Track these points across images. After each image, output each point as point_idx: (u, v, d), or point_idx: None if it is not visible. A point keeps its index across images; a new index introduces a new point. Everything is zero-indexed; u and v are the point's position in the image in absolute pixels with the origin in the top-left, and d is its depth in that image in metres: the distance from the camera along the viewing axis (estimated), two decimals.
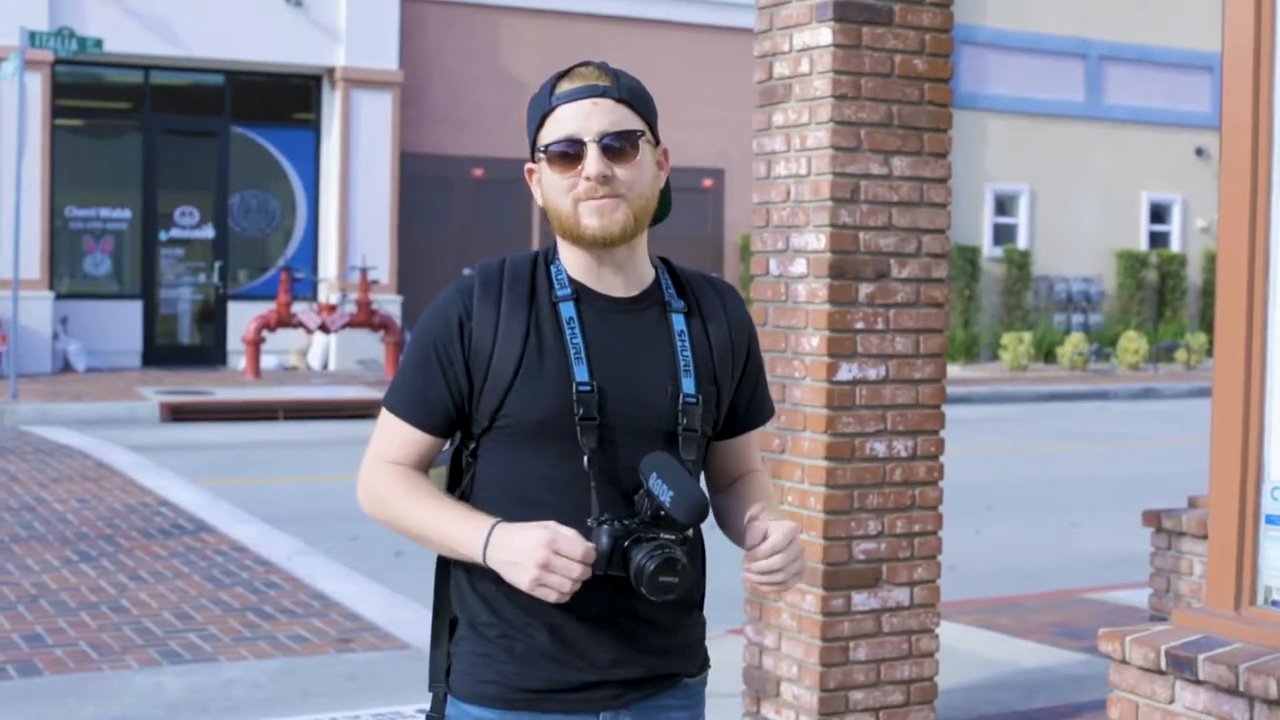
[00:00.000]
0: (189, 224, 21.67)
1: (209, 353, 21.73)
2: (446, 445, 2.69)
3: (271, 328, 19.71)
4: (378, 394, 18.12)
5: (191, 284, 21.81)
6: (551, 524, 2.46)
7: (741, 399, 2.75)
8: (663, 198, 2.71)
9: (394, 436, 2.64)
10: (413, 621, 7.60)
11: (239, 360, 20.82)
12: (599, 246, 2.58)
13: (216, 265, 21.70)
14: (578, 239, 2.59)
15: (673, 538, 2.48)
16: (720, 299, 2.72)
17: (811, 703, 5.40)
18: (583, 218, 2.57)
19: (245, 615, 7.79)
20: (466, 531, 2.52)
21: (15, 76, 17.45)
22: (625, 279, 2.64)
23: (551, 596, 2.44)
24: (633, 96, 2.60)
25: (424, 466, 2.67)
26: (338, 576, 8.69)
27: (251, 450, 14.61)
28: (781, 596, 5.44)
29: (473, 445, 2.64)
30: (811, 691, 5.40)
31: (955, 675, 6.43)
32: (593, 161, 2.54)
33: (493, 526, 2.50)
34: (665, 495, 2.44)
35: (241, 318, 20.96)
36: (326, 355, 21.50)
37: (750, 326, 2.75)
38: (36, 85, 19.83)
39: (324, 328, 19.85)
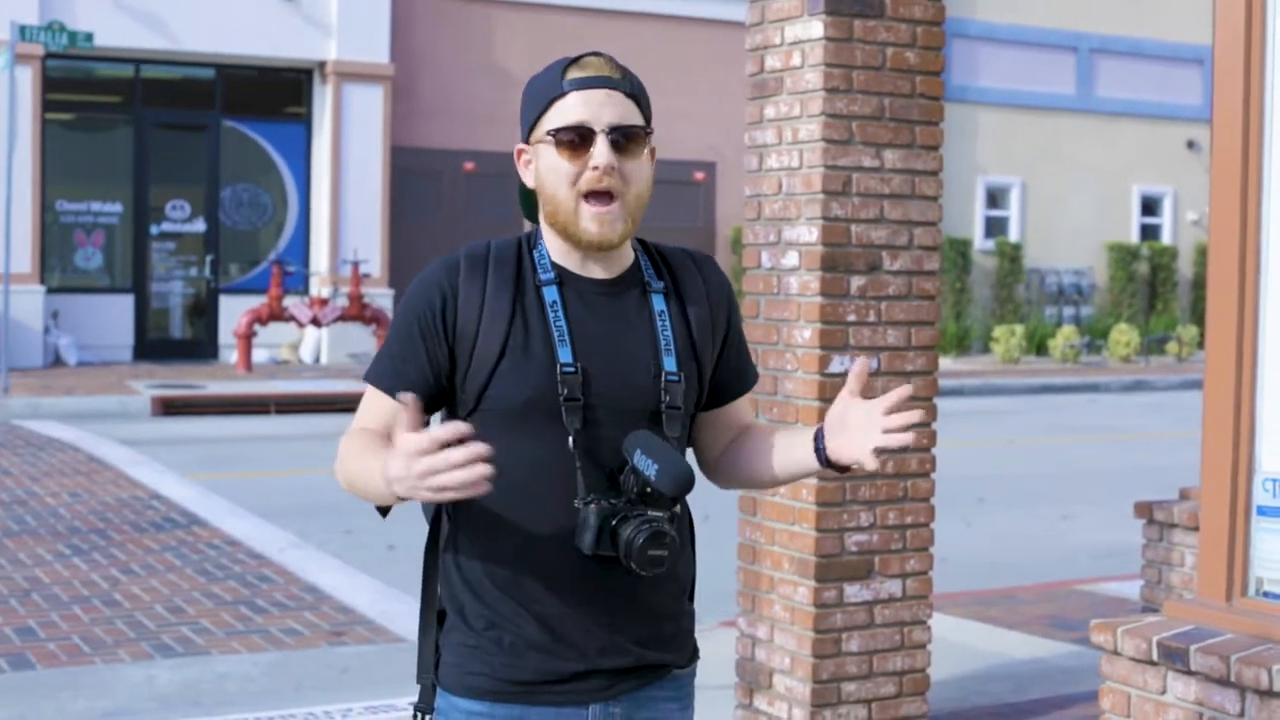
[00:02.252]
0: (180, 218, 21.64)
1: (200, 346, 21.71)
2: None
3: (263, 321, 19.70)
4: None
5: (183, 278, 21.78)
6: (403, 421, 2.30)
7: (726, 365, 2.77)
8: None
9: (373, 410, 2.64)
10: (405, 615, 7.60)
11: (230, 354, 20.80)
12: (592, 250, 2.60)
13: (208, 259, 21.67)
14: (571, 238, 2.60)
15: (660, 514, 2.49)
16: (699, 272, 2.74)
17: (804, 694, 5.41)
18: (583, 220, 2.57)
19: (237, 609, 7.79)
20: (375, 476, 2.40)
21: (6, 70, 17.42)
22: (607, 263, 2.65)
23: (459, 493, 2.26)
24: (639, 93, 2.63)
25: None
26: (330, 570, 8.70)
27: (243, 444, 14.61)
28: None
29: None
30: (804, 683, 5.41)
31: (947, 667, 6.44)
32: (602, 152, 2.55)
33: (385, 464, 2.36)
34: (650, 469, 2.45)
35: (233, 311, 20.94)
36: (318, 349, 21.49)
37: (729, 294, 2.76)
38: (27, 79, 19.80)
39: (315, 321, 19.83)
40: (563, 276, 2.62)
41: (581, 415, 2.55)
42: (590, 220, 2.57)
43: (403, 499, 2.39)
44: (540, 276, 2.61)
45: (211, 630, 7.38)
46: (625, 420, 2.56)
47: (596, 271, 2.64)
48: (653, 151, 2.69)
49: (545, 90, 2.61)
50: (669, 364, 2.62)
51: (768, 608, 5.57)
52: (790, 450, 2.71)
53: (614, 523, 2.49)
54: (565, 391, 2.54)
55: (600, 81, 2.58)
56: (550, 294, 2.60)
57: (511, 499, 2.55)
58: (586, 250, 2.61)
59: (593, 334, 2.60)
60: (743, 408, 2.85)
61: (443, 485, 2.26)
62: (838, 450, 2.59)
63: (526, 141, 2.64)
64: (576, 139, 2.56)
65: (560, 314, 2.58)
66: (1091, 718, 4.75)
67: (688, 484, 2.47)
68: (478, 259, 2.62)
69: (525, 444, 2.56)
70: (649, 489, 2.47)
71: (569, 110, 2.57)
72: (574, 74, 2.59)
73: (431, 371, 2.60)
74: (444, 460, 2.25)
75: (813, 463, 2.66)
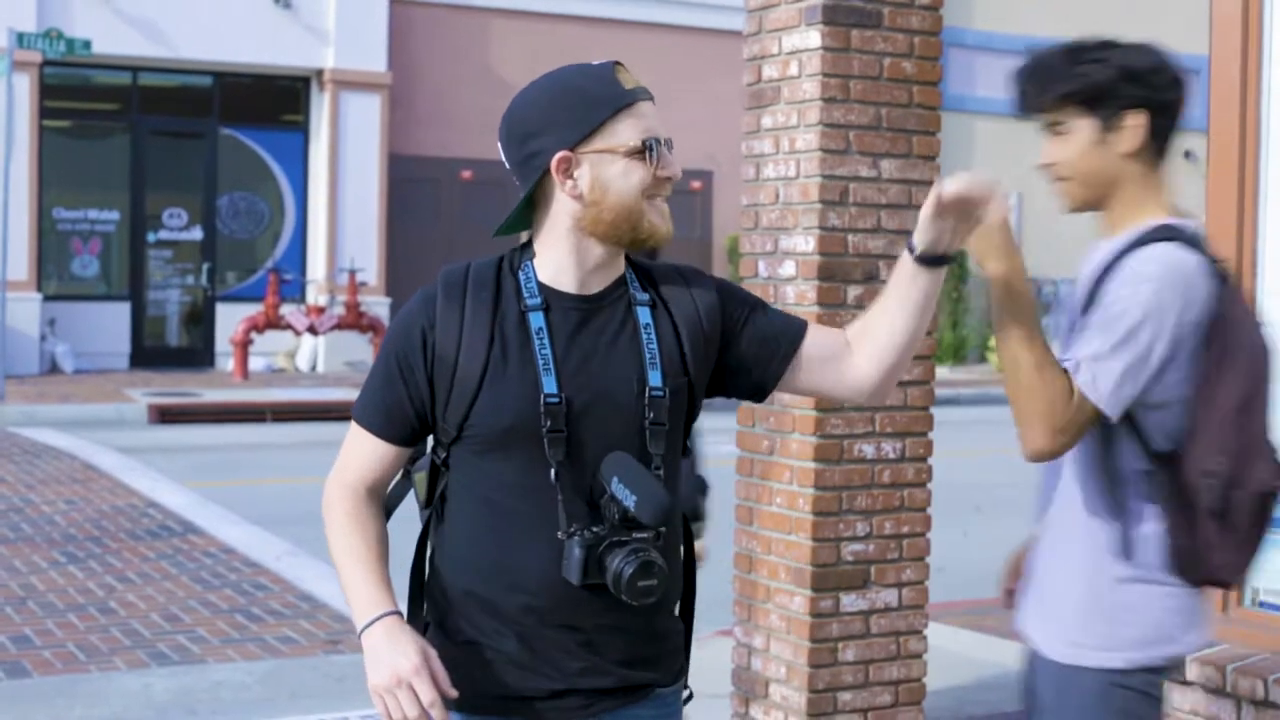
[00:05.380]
0: (177, 225, 21.64)
1: (197, 354, 21.70)
2: (428, 452, 2.70)
3: (260, 329, 19.69)
4: None
5: (179, 285, 21.77)
6: (428, 663, 2.46)
7: (765, 335, 2.70)
8: None
9: (359, 446, 2.67)
10: None
11: (227, 362, 20.79)
12: (653, 246, 2.59)
13: (204, 267, 21.66)
14: (635, 237, 2.56)
15: (646, 537, 2.48)
16: (686, 284, 2.69)
17: (800, 704, 5.41)
18: (650, 215, 2.55)
19: (233, 617, 7.78)
20: (362, 602, 2.55)
21: (3, 77, 17.43)
22: (602, 275, 2.62)
23: (379, 710, 2.46)
24: None
25: (388, 475, 2.68)
26: (326, 578, 8.68)
27: (239, 452, 14.60)
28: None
29: (444, 455, 2.63)
30: (800, 692, 5.41)
31: (943, 676, 6.44)
32: (672, 162, 2.56)
33: (382, 615, 2.52)
34: (629, 500, 2.43)
35: (230, 319, 20.93)
36: (315, 357, 21.48)
37: (719, 295, 2.69)
38: (24, 86, 19.79)
39: (312, 329, 19.83)
40: (548, 300, 2.58)
41: (564, 446, 2.52)
42: (660, 217, 2.56)
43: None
44: (526, 301, 2.57)
45: (207, 638, 7.37)
46: (609, 442, 2.53)
47: (589, 285, 2.60)
48: None
49: (606, 98, 2.53)
50: (653, 378, 2.57)
51: (764, 617, 5.56)
52: (895, 279, 2.69)
53: (600, 551, 2.47)
54: (549, 423, 2.51)
55: (649, 93, 2.60)
56: (536, 320, 2.56)
57: (494, 523, 2.55)
58: (650, 245, 2.58)
59: (577, 355, 2.56)
60: (825, 333, 2.75)
61: (382, 701, 2.45)
62: (932, 241, 2.63)
63: (573, 149, 2.53)
64: (652, 149, 2.54)
65: (546, 341, 2.54)
66: None
67: (666, 514, 2.45)
68: (455, 285, 2.59)
69: (507, 470, 2.55)
70: (630, 515, 2.45)
71: (642, 120, 2.54)
72: (628, 83, 2.56)
73: (413, 408, 2.60)
74: (405, 704, 2.43)
75: (911, 268, 2.65)
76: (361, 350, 21.26)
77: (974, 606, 8.20)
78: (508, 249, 2.70)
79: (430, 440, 2.69)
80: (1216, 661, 4.02)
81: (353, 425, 2.67)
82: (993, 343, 25.89)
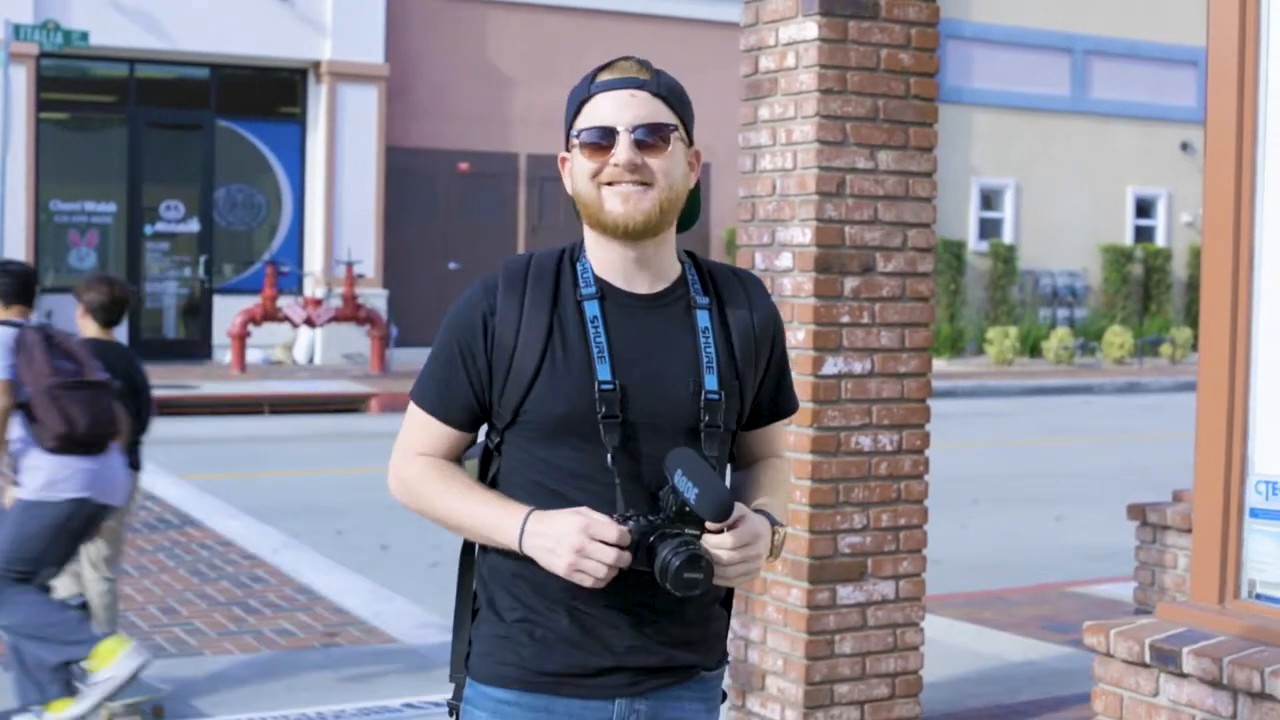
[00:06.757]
0: (174, 218, 21.62)
1: (194, 347, 21.68)
2: (480, 438, 2.72)
3: (257, 322, 19.68)
4: (363, 388, 18.12)
5: (177, 278, 21.76)
6: (585, 509, 2.49)
7: (766, 391, 2.76)
8: (692, 200, 2.72)
9: (420, 429, 2.69)
10: (399, 615, 7.60)
11: (224, 354, 20.78)
12: (621, 235, 2.59)
13: (202, 259, 21.64)
14: (601, 225, 2.60)
15: (697, 534, 2.50)
16: (746, 292, 2.73)
17: (797, 696, 5.41)
18: (606, 201, 2.58)
19: (231, 609, 7.78)
20: (502, 519, 2.55)
21: (0, 69, 17.40)
22: (651, 275, 2.65)
23: (587, 582, 2.46)
24: (670, 94, 2.63)
25: (452, 458, 2.70)
26: (324, 570, 8.69)
27: (237, 444, 14.59)
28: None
29: (497, 440, 2.66)
30: (797, 685, 5.41)
31: (940, 668, 6.44)
32: (623, 149, 2.56)
33: (528, 514, 2.53)
34: (690, 493, 2.45)
35: (227, 312, 20.92)
36: (312, 349, 21.47)
37: (776, 320, 2.76)
38: (21, 78, 19.77)
39: (309, 322, 19.82)
40: (605, 291, 2.62)
41: (620, 432, 2.56)
42: (614, 199, 2.58)
43: (524, 554, 2.53)
44: (582, 290, 2.61)
45: (205, 631, 7.37)
46: (664, 437, 2.57)
47: (640, 285, 2.64)
48: (698, 157, 2.70)
49: (577, 95, 2.64)
50: (710, 382, 2.62)
51: (761, 609, 5.57)
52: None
53: (651, 539, 2.49)
54: (604, 409, 2.55)
55: (625, 83, 2.60)
56: (591, 309, 2.60)
57: (548, 508, 2.56)
58: (615, 236, 2.60)
59: (633, 350, 2.60)
60: (774, 436, 2.83)
61: (583, 570, 2.45)
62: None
63: (567, 149, 2.66)
64: (600, 140, 2.57)
65: (601, 330, 2.59)
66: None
67: (727, 510, 2.47)
68: (516, 274, 2.63)
69: (561, 457, 2.58)
70: (688, 509, 2.47)
71: (594, 112, 2.59)
72: (603, 77, 2.62)
73: (474, 393, 2.63)
74: (602, 553, 2.44)
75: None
76: (359, 343, 21.24)
77: (971, 599, 8.21)
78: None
79: (484, 428, 2.72)
80: (1213, 654, 4.03)
81: (411, 409, 2.70)
82: (990, 335, 25.79)
